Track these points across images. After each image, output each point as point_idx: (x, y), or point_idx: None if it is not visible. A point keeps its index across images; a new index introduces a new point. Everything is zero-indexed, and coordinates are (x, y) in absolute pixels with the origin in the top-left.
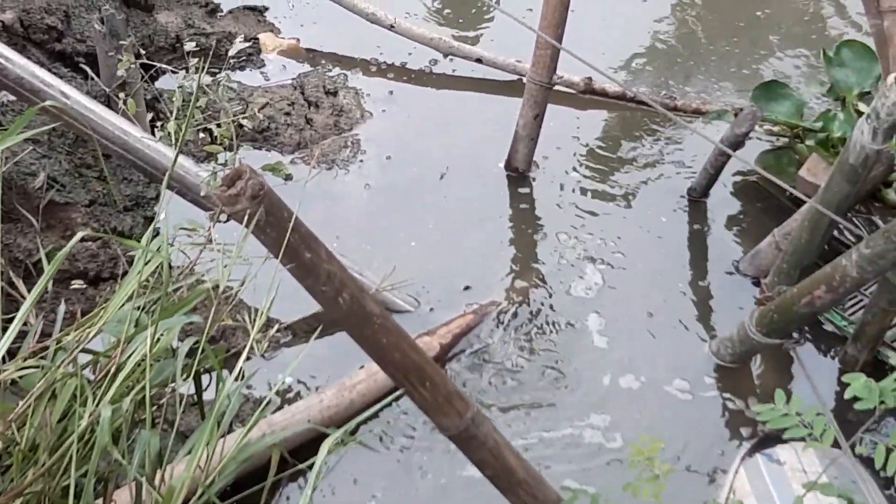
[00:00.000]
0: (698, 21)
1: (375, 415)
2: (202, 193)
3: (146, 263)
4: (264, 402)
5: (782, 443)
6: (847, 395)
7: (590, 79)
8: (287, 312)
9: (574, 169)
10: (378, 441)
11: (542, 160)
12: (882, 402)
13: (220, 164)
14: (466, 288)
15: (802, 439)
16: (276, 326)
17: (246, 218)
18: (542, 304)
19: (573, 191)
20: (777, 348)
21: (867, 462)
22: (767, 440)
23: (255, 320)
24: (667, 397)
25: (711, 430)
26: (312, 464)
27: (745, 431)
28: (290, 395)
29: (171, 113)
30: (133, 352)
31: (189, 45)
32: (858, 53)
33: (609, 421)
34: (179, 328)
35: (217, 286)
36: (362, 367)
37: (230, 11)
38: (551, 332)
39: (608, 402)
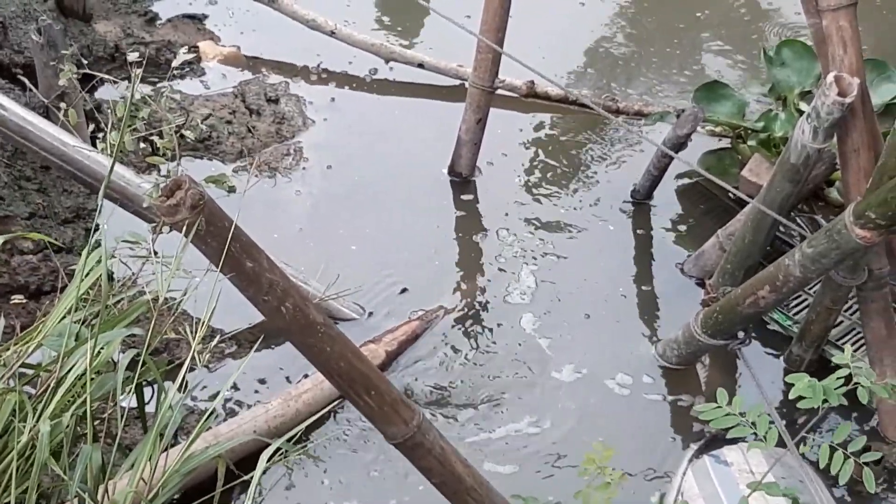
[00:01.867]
0: (638, 23)
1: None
2: (144, 205)
3: (86, 276)
4: (207, 414)
5: (730, 444)
6: (791, 395)
7: (532, 82)
8: (231, 323)
9: (517, 172)
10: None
11: (485, 164)
12: (825, 401)
13: (163, 176)
14: (403, 290)
15: (745, 439)
16: (220, 337)
17: (185, 228)
18: (485, 308)
19: (516, 194)
20: (723, 349)
21: (815, 462)
22: (714, 441)
23: (196, 331)
24: (612, 399)
25: (659, 432)
26: (263, 473)
27: (692, 433)
28: (236, 405)
29: (112, 124)
30: (73, 366)
31: (132, 56)
32: (799, 53)
33: (554, 422)
34: (120, 341)
35: (157, 298)
36: (307, 375)
37: (169, 20)
38: (492, 335)
39: (551, 404)
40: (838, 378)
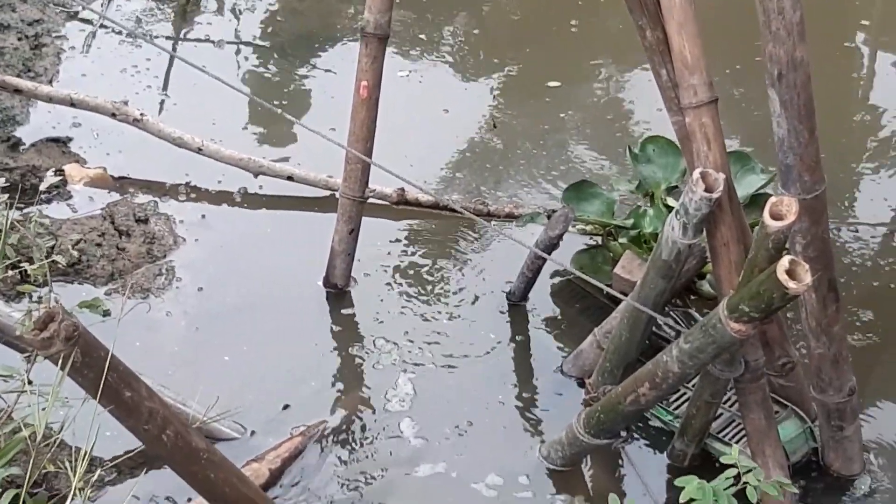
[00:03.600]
0: (504, 127)
1: None
2: (17, 334)
3: None
4: None
5: None
6: (682, 499)
7: (402, 190)
8: (110, 448)
9: (393, 281)
10: None
11: (361, 274)
12: (716, 502)
13: (35, 301)
14: (286, 407)
15: None
16: (100, 470)
17: (61, 361)
18: (363, 418)
19: (393, 303)
20: (607, 448)
21: None
22: None
23: (77, 465)
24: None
25: None
26: None
27: None
28: None
29: None
30: None
31: None
32: (663, 149)
33: None
34: None
35: (35, 433)
36: (189, 500)
37: (33, 144)
38: (371, 445)
39: None
40: (727, 478)
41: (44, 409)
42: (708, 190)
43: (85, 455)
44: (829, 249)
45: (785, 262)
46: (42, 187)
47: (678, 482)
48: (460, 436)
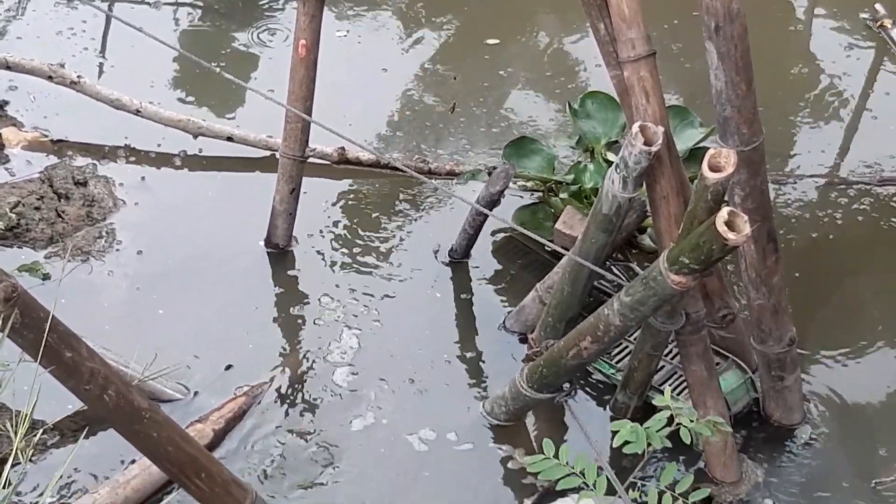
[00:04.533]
0: (443, 85)
1: None
2: None
3: None
4: None
5: (562, 496)
6: (616, 442)
7: (343, 149)
8: (51, 411)
9: (335, 240)
10: None
11: (302, 234)
12: (650, 445)
13: None
14: (228, 367)
15: (577, 489)
16: (42, 429)
17: (0, 322)
18: (305, 376)
19: (335, 262)
20: (550, 402)
21: None
22: (547, 495)
23: (18, 426)
24: (444, 456)
25: (490, 489)
26: None
27: (525, 488)
28: (63, 497)
29: None
30: None
31: None
32: (602, 104)
33: (386, 486)
34: None
35: None
36: (133, 461)
37: None
38: (314, 402)
39: (382, 469)
40: (659, 420)
41: None
42: (647, 143)
43: (26, 417)
44: (767, 201)
45: (724, 213)
46: None
47: (613, 426)
48: (403, 391)
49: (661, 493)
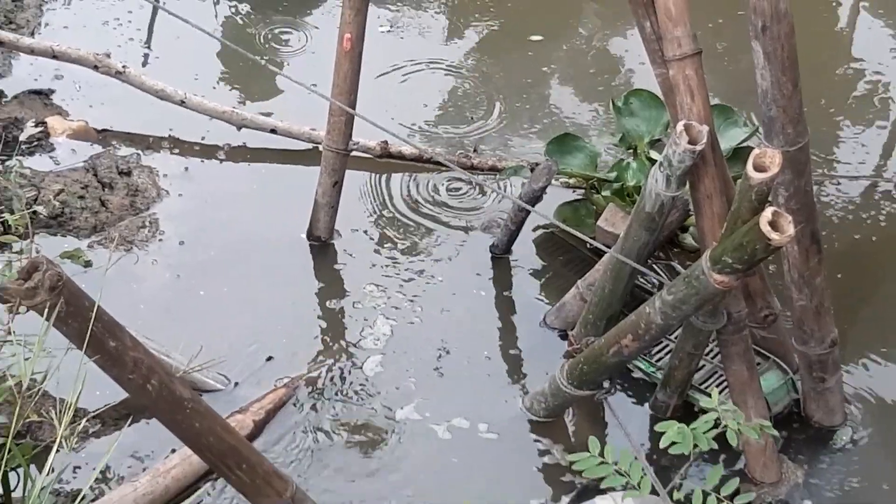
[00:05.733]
0: (487, 81)
1: None
2: None
3: None
4: (80, 497)
5: (601, 493)
6: (662, 443)
7: (386, 142)
8: (93, 400)
9: (376, 233)
10: None
11: (344, 227)
12: (696, 446)
13: (15, 253)
14: (269, 358)
15: (622, 488)
16: (85, 417)
17: (46, 310)
18: (344, 368)
19: (376, 255)
20: (589, 399)
21: None
22: (586, 492)
23: (62, 415)
24: (479, 450)
25: (528, 485)
26: None
27: (563, 485)
28: (103, 485)
29: None
30: None
31: None
32: (646, 102)
33: (425, 477)
34: None
35: (20, 383)
36: (174, 450)
37: (15, 97)
38: (355, 394)
39: (424, 460)
40: (707, 422)
41: (27, 359)
42: (692, 142)
43: (71, 405)
44: (811, 202)
45: (768, 213)
46: (22, 137)
47: (659, 427)
48: (443, 384)
49: (705, 495)
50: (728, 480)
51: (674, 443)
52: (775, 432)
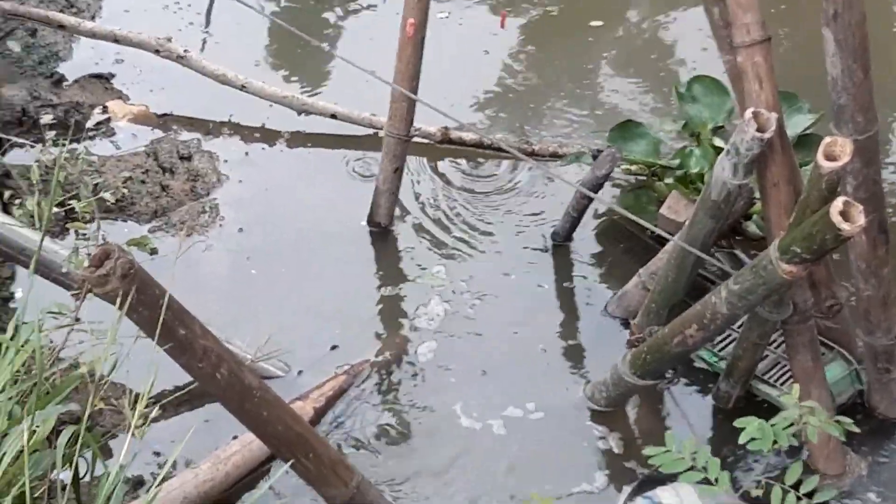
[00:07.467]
0: (547, 66)
1: None
2: (63, 271)
3: (17, 353)
4: (156, 482)
5: (662, 485)
6: (741, 439)
7: (446, 128)
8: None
9: (436, 219)
10: None
11: (405, 213)
12: (775, 443)
13: (81, 239)
14: (334, 348)
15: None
16: (156, 406)
17: (119, 299)
18: (405, 357)
19: (436, 242)
20: (651, 389)
21: (752, 500)
22: (647, 483)
23: (134, 404)
24: (541, 441)
25: (584, 472)
26: None
27: (625, 474)
28: (164, 471)
29: (26, 189)
30: (8, 446)
31: (46, 118)
32: (709, 88)
33: (501, 465)
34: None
35: (93, 371)
36: (235, 437)
37: (76, 81)
38: (416, 383)
39: (484, 449)
40: (786, 419)
41: (95, 346)
42: (760, 130)
43: (144, 393)
44: (880, 191)
45: (839, 202)
46: (89, 124)
47: (738, 423)
48: (504, 371)
49: (784, 492)
50: (808, 479)
51: (753, 439)
52: (855, 428)
